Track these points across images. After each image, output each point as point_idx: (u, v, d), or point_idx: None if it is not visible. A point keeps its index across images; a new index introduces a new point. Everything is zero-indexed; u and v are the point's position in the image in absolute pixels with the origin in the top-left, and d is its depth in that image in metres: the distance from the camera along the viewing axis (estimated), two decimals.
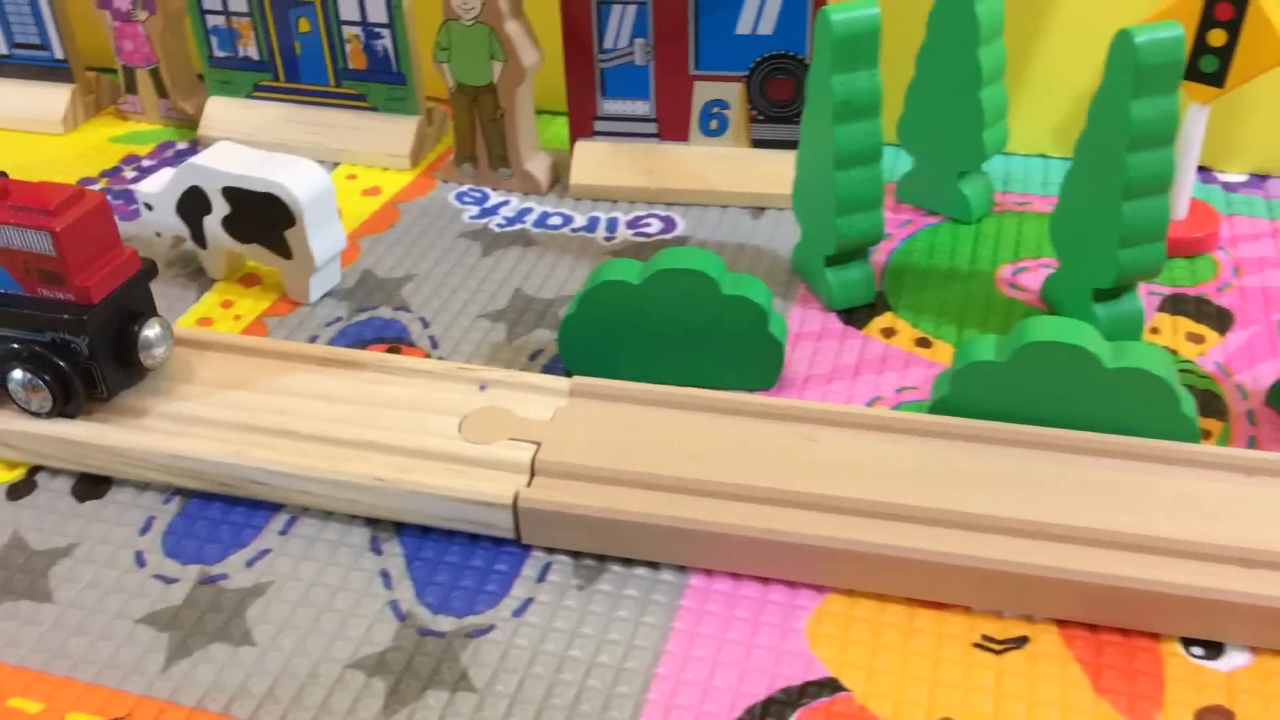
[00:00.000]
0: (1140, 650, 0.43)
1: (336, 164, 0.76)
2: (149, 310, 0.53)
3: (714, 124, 0.70)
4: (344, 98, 0.76)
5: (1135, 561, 0.43)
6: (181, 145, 0.79)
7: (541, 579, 0.47)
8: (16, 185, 0.50)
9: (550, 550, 0.48)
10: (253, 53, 0.76)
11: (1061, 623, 0.44)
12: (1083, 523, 0.44)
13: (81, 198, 0.50)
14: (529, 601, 0.46)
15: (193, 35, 0.77)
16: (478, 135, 0.71)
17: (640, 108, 0.70)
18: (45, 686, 0.43)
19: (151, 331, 0.52)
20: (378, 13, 0.72)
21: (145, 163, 0.77)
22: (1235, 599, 0.42)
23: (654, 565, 0.47)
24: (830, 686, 0.42)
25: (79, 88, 0.81)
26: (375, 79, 0.74)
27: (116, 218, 0.62)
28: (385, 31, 0.72)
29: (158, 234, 0.64)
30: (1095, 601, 0.43)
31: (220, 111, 0.78)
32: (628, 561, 0.47)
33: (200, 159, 0.61)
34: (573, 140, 0.72)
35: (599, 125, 0.71)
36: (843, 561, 0.45)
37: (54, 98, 0.81)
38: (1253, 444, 0.51)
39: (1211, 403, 0.53)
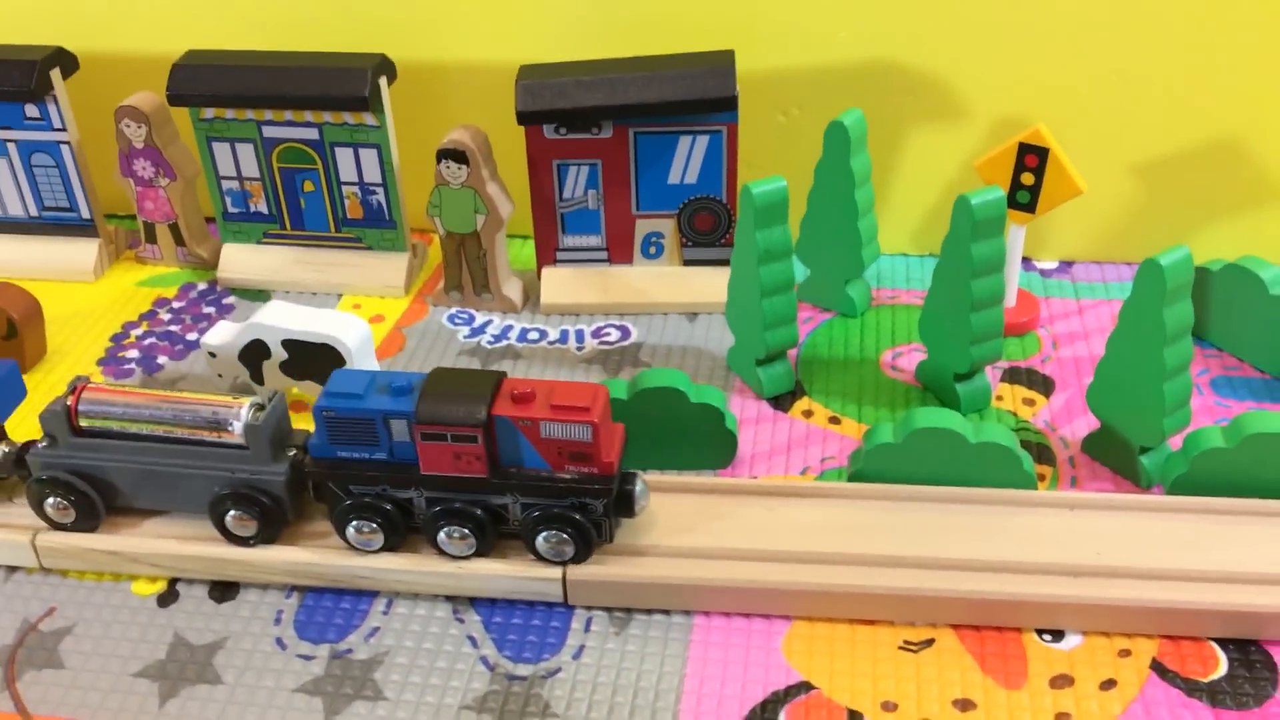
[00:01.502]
0: (1010, 641, 0.62)
1: (340, 295, 0.91)
2: (629, 471, 0.65)
3: (653, 249, 0.89)
4: (343, 240, 0.91)
5: (1000, 579, 0.63)
6: (202, 285, 0.94)
7: (587, 630, 0.64)
8: (542, 387, 0.62)
9: (589, 608, 0.65)
10: (263, 208, 0.91)
11: (956, 627, 0.63)
12: (963, 555, 0.64)
13: (598, 393, 0.62)
14: (582, 648, 0.63)
15: (208, 194, 0.92)
16: (464, 269, 0.88)
17: (594, 240, 0.88)
18: None
19: (638, 488, 0.64)
20: (373, 174, 0.88)
21: (175, 304, 0.91)
22: (1068, 600, 0.62)
23: (667, 612, 0.65)
24: (804, 687, 0.61)
25: (103, 240, 0.95)
26: (370, 225, 0.90)
27: (166, 357, 0.77)
28: (379, 189, 0.89)
29: (219, 375, 0.79)
30: (977, 610, 0.63)
31: (235, 256, 0.93)
32: (648, 611, 0.65)
33: (261, 317, 0.76)
34: (540, 267, 0.89)
35: (560, 255, 0.89)
36: (803, 598, 0.63)
37: (83, 251, 0.94)
38: (1074, 483, 0.72)
39: (1044, 453, 0.74)
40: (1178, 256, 0.65)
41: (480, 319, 0.89)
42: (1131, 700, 0.59)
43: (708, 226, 0.87)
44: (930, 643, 0.62)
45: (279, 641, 0.64)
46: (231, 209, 0.92)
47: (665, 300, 0.88)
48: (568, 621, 0.65)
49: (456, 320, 0.89)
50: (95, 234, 0.95)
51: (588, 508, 0.63)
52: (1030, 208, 0.80)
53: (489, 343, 0.86)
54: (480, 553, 0.65)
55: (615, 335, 0.86)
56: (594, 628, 0.64)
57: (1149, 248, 0.88)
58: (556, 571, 0.64)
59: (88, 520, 0.67)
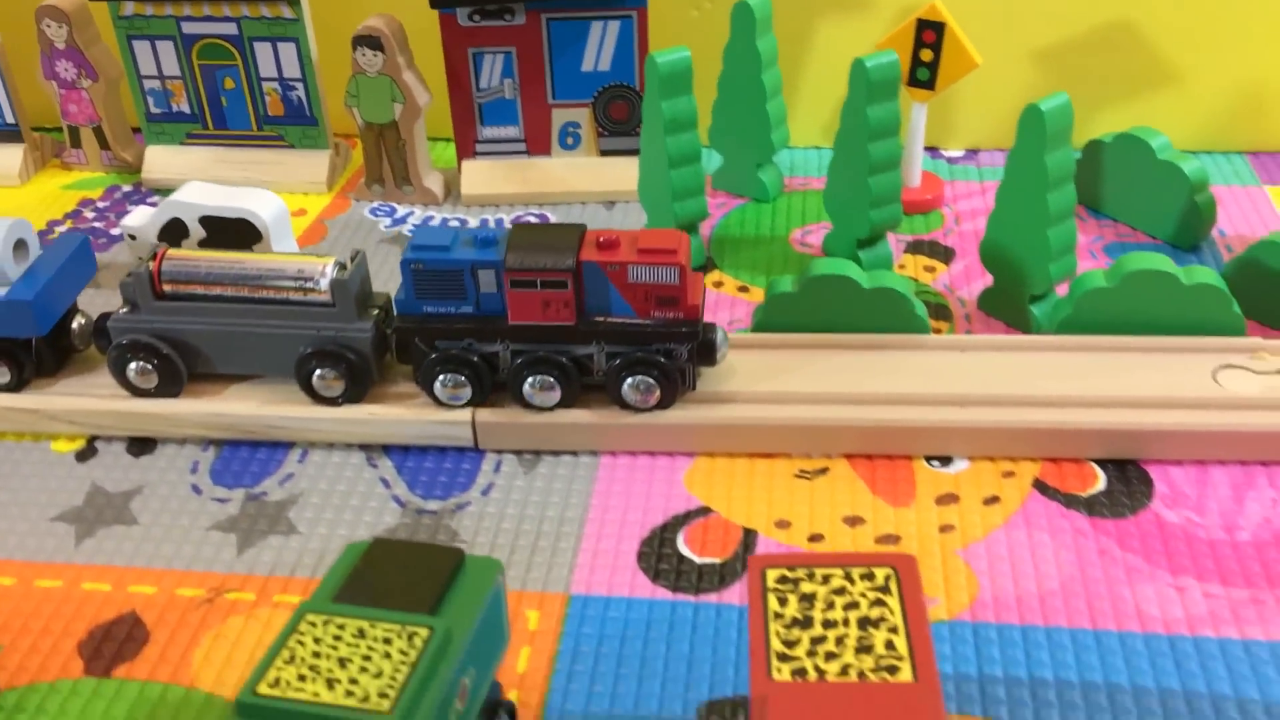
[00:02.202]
0: (900, 468, 0.65)
1: None
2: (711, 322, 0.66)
3: (570, 140, 0.91)
4: (265, 139, 0.93)
5: (893, 411, 0.65)
6: (127, 188, 0.95)
7: (497, 470, 0.66)
8: (625, 235, 0.63)
9: (499, 452, 0.67)
10: (185, 108, 0.92)
11: (849, 457, 0.66)
12: (858, 389, 0.66)
13: (681, 239, 0.63)
14: (491, 485, 0.65)
15: (131, 95, 0.93)
16: (384, 161, 0.89)
17: (512, 131, 0.90)
18: (153, 575, 0.60)
19: (718, 336, 0.65)
20: (292, 69, 0.89)
21: (100, 204, 0.93)
22: (956, 426, 0.65)
23: (574, 454, 0.67)
24: (703, 511, 0.63)
25: (28, 146, 0.96)
26: (291, 122, 0.92)
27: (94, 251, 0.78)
28: (299, 84, 0.90)
29: (140, 258, 0.80)
30: (869, 439, 0.65)
31: (159, 158, 0.94)
32: (556, 453, 0.67)
33: (179, 195, 0.77)
34: (460, 160, 0.91)
35: (480, 147, 0.91)
36: (703, 433, 0.66)
37: (7, 155, 0.95)
38: (968, 334, 0.75)
39: (941, 311, 0.77)
40: (1057, 102, 0.68)
41: (402, 211, 0.90)
42: (1013, 513, 0.61)
43: (623, 115, 0.89)
44: (824, 471, 0.65)
45: (195, 488, 0.66)
46: (154, 109, 0.93)
47: (583, 189, 0.90)
48: (478, 464, 0.67)
49: (378, 213, 0.90)
50: (20, 139, 0.95)
51: (673, 353, 0.64)
52: (930, 84, 0.83)
53: (410, 231, 0.88)
54: (565, 403, 0.66)
55: (533, 222, 0.88)
56: (504, 469, 0.66)
57: None
58: (466, 414, 0.66)
59: (170, 385, 0.68)
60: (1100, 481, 0.63)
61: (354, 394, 0.67)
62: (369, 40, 0.84)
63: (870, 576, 0.46)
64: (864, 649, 0.43)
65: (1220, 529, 0.60)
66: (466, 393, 0.66)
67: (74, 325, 0.71)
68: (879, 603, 0.45)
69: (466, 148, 0.91)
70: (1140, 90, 0.91)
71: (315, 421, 0.67)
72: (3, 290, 0.67)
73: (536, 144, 0.91)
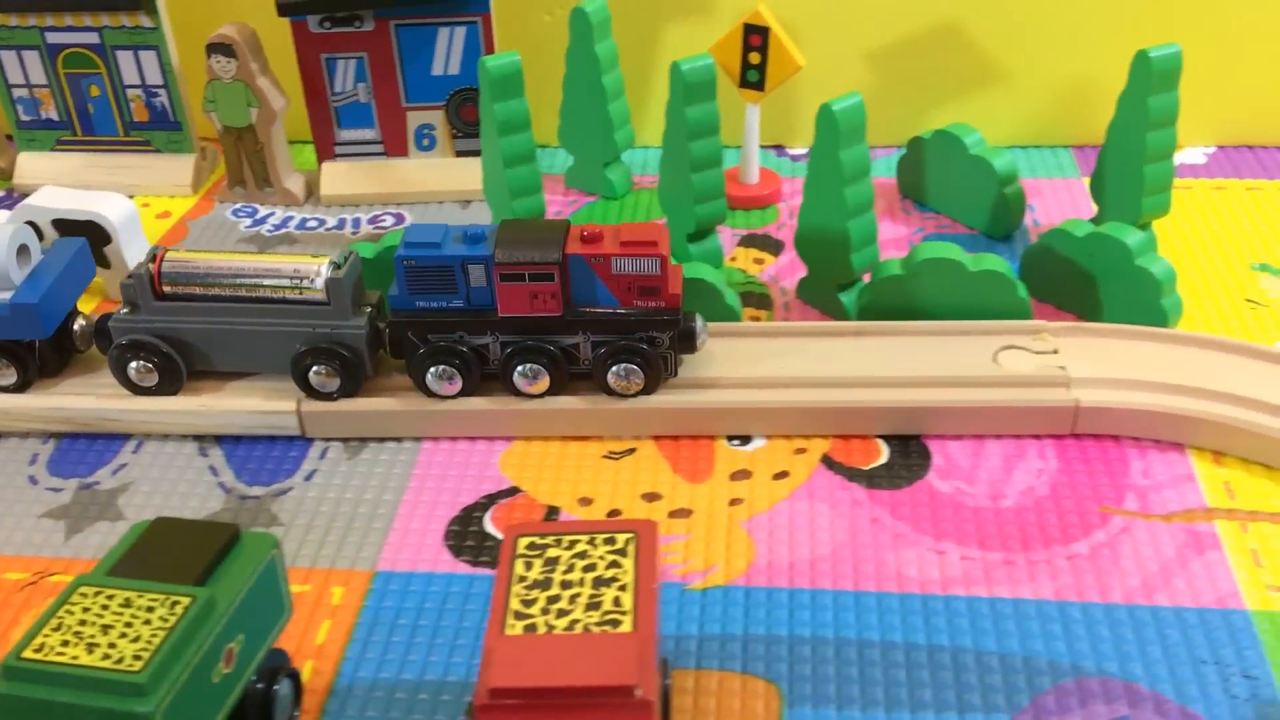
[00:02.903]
0: (702, 447, 0.69)
1: (132, 196, 0.95)
2: (691, 310, 0.69)
3: (426, 142, 0.94)
4: (133, 144, 0.96)
5: (697, 394, 0.69)
6: (0, 193, 0.98)
7: (322, 457, 0.70)
8: (607, 229, 0.66)
9: (327, 439, 0.71)
10: (54, 115, 0.95)
11: (657, 438, 0.70)
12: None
13: (662, 231, 0.66)
14: (314, 471, 0.69)
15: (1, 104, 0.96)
16: (244, 164, 0.92)
17: (369, 134, 0.94)
18: None
19: (698, 324, 0.68)
20: (154, 76, 0.93)
21: None
22: (756, 407, 0.69)
23: (399, 439, 0.71)
24: (512, 491, 0.67)
25: None
26: (157, 128, 0.95)
27: None
28: (161, 90, 0.93)
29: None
30: (673, 420, 0.69)
31: (30, 164, 0.97)
32: (381, 440, 0.70)
33: (32, 200, 0.80)
34: (320, 162, 0.95)
35: (338, 149, 0.94)
36: (514, 418, 0.69)
37: None
38: (786, 321, 0.79)
39: (764, 300, 0.81)
40: (850, 102, 0.72)
41: (263, 212, 0.94)
42: (798, 486, 0.66)
43: (474, 117, 0.93)
44: (632, 451, 0.69)
45: (31, 479, 0.69)
46: (24, 117, 0.96)
47: (440, 189, 0.94)
48: (305, 451, 0.70)
49: (239, 214, 0.94)
50: None
51: (655, 341, 0.67)
52: (760, 86, 0.87)
53: (269, 231, 0.91)
54: (553, 391, 0.69)
55: (390, 221, 0.92)
56: (329, 455, 0.70)
57: (887, 133, 0.95)
58: (291, 404, 0.70)
59: (170, 383, 0.70)
60: (883, 455, 0.67)
61: (348, 389, 0.70)
62: (222, 48, 0.87)
63: (612, 541, 0.50)
64: (593, 606, 0.47)
65: (986, 498, 0.64)
66: (459, 383, 0.69)
67: (75, 327, 0.73)
68: (614, 564, 0.49)
69: (326, 150, 0.94)
70: (969, 88, 0.96)
71: (150, 414, 0.70)
72: (8, 294, 0.69)
73: (393, 146, 0.94)
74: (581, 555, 0.50)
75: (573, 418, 0.69)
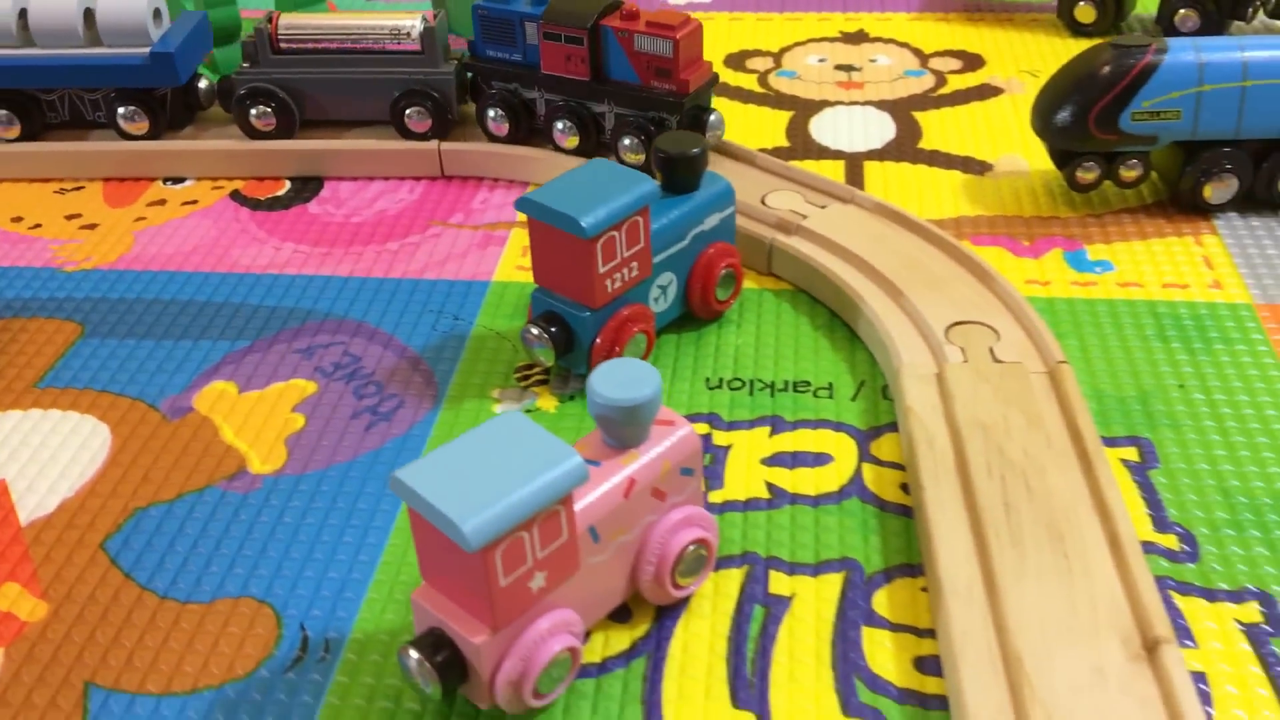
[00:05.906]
0: (142, 186, 0.82)
1: None
2: (710, 106, 0.74)
3: None
4: None
5: (141, 145, 0.82)
6: None
7: None
8: (647, 13, 0.72)
9: None
10: None
11: (106, 179, 0.82)
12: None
13: (689, 21, 0.71)
14: None
15: None
16: None
17: None
18: None
19: (714, 117, 0.73)
20: None
21: None
22: (185, 150, 0.81)
23: None
24: None
25: None
26: None
27: None
28: None
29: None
30: (119, 164, 0.81)
31: None
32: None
33: None
34: None
35: None
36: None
37: None
38: None
39: None
40: None
41: None
42: (197, 210, 0.78)
43: None
44: (81, 188, 0.81)
45: None
46: None
47: None
48: None
49: None
50: None
51: (664, 122, 0.73)
52: None
53: None
54: (584, 153, 0.76)
55: None
56: None
57: None
58: None
59: (286, 130, 0.80)
60: (285, 189, 0.80)
61: (439, 130, 0.79)
62: None
63: None
64: None
65: (341, 215, 0.77)
66: (507, 127, 0.77)
67: (200, 85, 0.82)
68: None
69: None
70: None
71: None
72: (147, 47, 0.79)
73: None
74: None
75: (47, 160, 0.82)
